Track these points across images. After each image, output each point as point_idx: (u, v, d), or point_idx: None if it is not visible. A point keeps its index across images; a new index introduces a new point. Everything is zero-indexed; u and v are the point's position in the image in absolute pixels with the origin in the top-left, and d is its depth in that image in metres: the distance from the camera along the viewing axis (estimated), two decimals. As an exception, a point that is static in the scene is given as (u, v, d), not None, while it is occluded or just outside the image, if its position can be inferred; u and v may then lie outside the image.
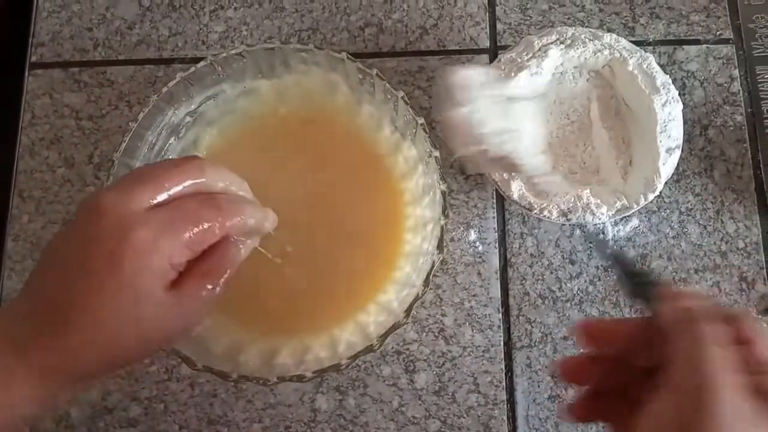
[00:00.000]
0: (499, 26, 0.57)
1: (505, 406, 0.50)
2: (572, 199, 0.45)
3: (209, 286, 0.33)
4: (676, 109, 0.47)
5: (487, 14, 0.58)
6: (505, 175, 0.46)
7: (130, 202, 0.31)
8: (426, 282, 0.42)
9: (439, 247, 0.42)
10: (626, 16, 0.57)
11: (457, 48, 0.57)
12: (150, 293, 0.31)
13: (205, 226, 0.32)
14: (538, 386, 0.50)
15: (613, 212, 0.45)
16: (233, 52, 0.46)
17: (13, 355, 0.30)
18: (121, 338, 0.31)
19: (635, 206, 0.45)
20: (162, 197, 0.32)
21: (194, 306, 0.32)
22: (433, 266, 0.42)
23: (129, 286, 0.30)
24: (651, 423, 0.25)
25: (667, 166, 0.46)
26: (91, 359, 0.31)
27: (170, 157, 0.48)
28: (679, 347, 0.25)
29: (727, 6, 0.57)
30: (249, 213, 0.34)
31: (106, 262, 0.30)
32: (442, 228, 0.42)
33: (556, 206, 0.45)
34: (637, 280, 0.30)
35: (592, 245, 0.49)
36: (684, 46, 0.56)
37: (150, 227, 0.30)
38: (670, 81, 0.47)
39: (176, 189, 0.32)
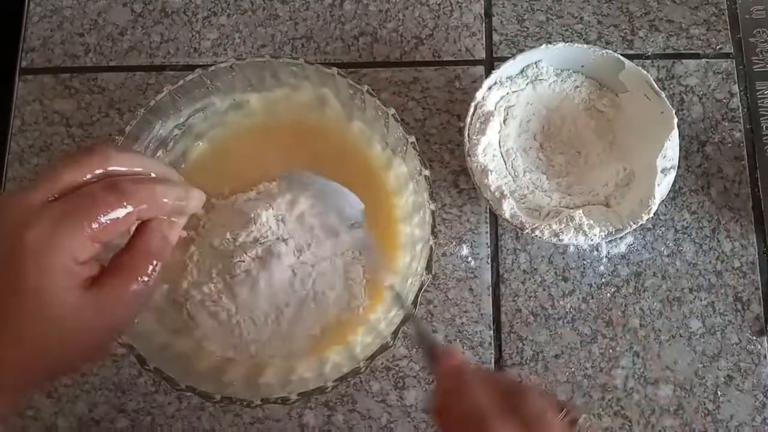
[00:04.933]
0: (496, 37, 0.56)
1: (495, 424, 0.49)
2: (564, 220, 0.44)
3: (140, 279, 0.30)
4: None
5: (484, 25, 0.57)
6: (497, 193, 0.45)
7: (23, 200, 0.28)
8: (414, 303, 0.41)
9: (428, 268, 0.41)
10: (625, 29, 0.56)
11: (453, 59, 0.56)
12: (61, 295, 0.28)
13: (109, 213, 0.28)
14: (528, 405, 0.49)
15: (606, 233, 0.44)
16: (223, 65, 0.45)
17: None
18: (46, 347, 0.29)
19: (629, 227, 0.45)
20: (61, 190, 0.29)
21: (121, 303, 0.30)
22: (421, 287, 0.41)
23: (35, 292, 0.27)
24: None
25: (663, 186, 0.45)
26: (24, 371, 0.29)
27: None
28: (451, 386, 0.33)
29: (727, 20, 0.56)
30: (161, 193, 0.31)
31: (4, 271, 0.28)
32: (431, 248, 0.42)
33: (548, 226, 0.44)
34: (426, 345, 0.37)
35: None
36: (683, 60, 0.55)
37: (44, 223, 0.27)
38: (666, 100, 0.46)
39: (80, 180, 0.29)
